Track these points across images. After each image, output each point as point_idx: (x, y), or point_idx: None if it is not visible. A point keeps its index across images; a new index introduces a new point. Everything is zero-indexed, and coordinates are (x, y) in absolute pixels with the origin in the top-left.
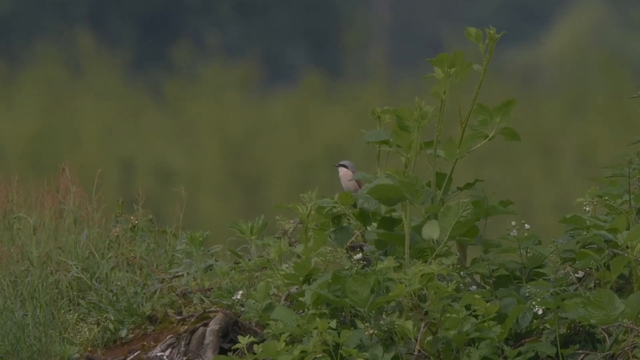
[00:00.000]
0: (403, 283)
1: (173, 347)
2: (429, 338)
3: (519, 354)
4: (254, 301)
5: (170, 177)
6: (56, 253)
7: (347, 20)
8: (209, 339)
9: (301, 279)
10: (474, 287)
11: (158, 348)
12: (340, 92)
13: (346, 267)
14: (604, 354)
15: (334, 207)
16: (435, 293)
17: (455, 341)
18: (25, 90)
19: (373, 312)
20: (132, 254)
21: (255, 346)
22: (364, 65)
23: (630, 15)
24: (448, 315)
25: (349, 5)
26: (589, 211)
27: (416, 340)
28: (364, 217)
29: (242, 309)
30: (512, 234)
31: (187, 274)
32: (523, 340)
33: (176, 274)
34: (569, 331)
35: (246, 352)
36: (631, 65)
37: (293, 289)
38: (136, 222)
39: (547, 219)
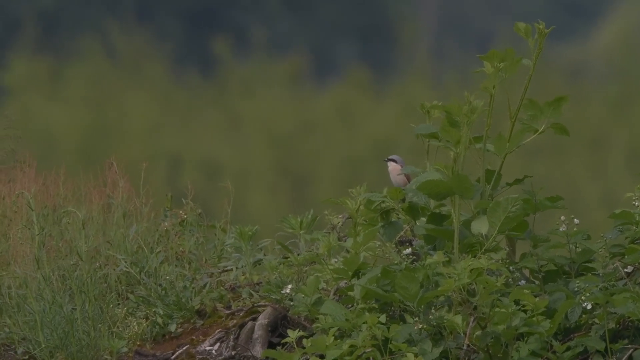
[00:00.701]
0: (452, 278)
1: (222, 342)
2: (478, 332)
3: (568, 348)
4: (303, 295)
5: (218, 172)
6: (105, 247)
7: (394, 15)
8: (258, 333)
9: (350, 273)
10: (523, 281)
11: (207, 342)
12: (388, 86)
13: (395, 262)
14: None
15: (383, 201)
16: (484, 288)
17: (504, 336)
18: (72, 85)
19: (422, 306)
20: (181, 249)
21: (304, 340)
22: (411, 59)
23: None
24: (497, 309)
25: (397, 0)
26: (638, 206)
27: (465, 334)
28: (413, 211)
29: (291, 303)
30: (561, 229)
31: (236, 268)
32: (572, 335)
33: (225, 268)
34: (618, 326)
35: (295, 346)
36: None
37: (342, 284)
38: (185, 216)
39: (595, 214)
